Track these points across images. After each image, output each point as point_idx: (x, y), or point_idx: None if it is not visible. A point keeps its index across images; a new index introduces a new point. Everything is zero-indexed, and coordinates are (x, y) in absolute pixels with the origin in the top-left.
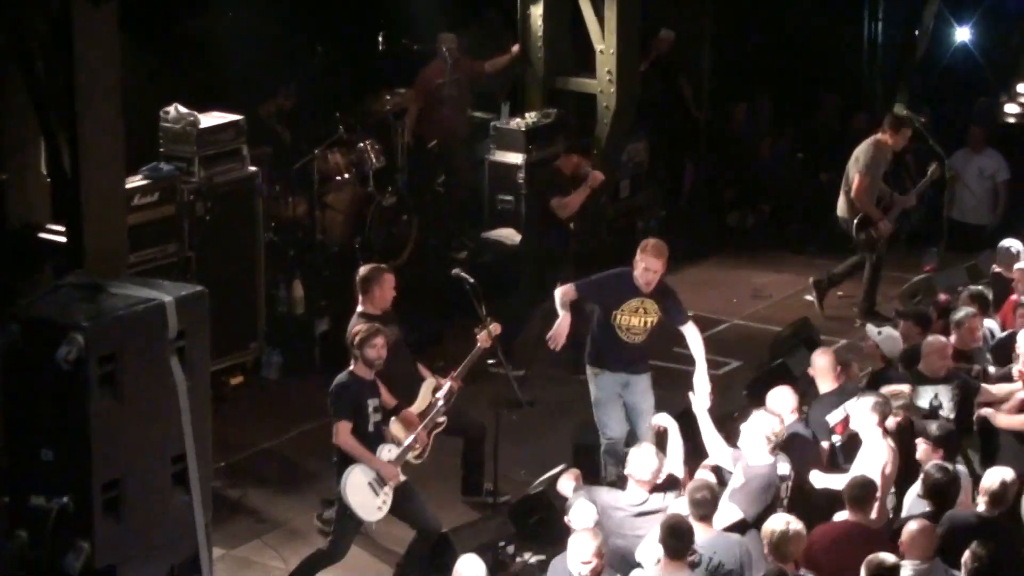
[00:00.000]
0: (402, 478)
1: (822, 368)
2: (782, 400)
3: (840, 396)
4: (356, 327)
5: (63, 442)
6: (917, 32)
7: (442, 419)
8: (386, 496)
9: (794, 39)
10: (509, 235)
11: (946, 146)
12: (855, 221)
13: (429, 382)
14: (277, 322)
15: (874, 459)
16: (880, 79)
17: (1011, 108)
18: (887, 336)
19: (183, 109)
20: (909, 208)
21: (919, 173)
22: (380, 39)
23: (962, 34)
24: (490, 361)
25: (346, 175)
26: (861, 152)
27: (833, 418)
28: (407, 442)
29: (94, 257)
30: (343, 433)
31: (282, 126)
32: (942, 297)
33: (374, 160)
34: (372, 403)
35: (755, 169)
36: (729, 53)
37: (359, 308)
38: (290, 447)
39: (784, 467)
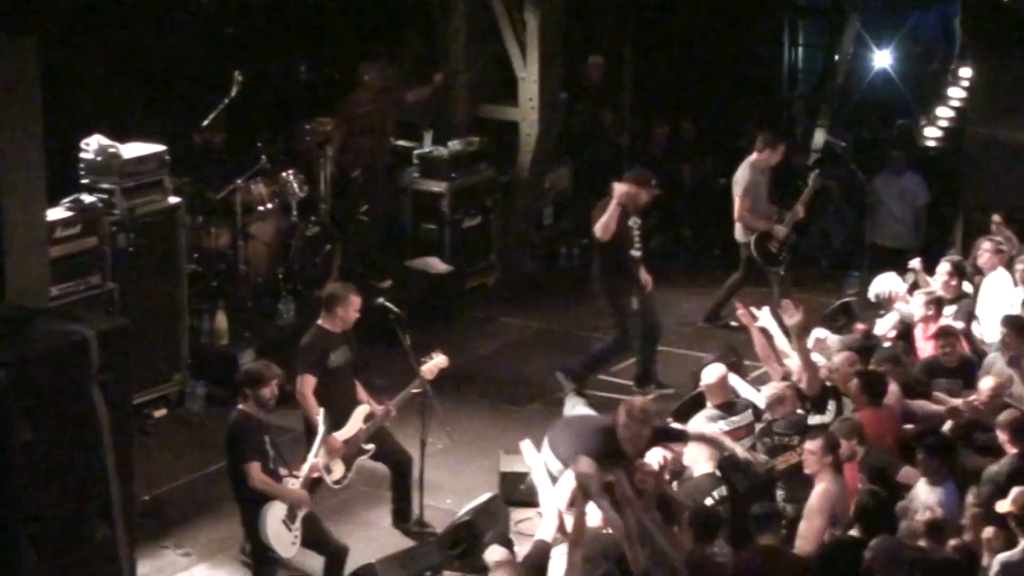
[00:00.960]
0: (308, 508)
1: (710, 384)
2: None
3: (727, 410)
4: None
5: None
6: (837, 57)
7: (368, 446)
8: (297, 531)
9: (714, 64)
10: (433, 264)
11: (867, 170)
12: (752, 241)
13: (362, 408)
14: (200, 353)
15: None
16: (801, 103)
17: (931, 132)
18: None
19: (104, 140)
20: (798, 220)
21: (842, 198)
22: (302, 69)
23: (882, 58)
24: (415, 390)
25: (269, 205)
26: (738, 175)
27: (719, 428)
28: (305, 468)
29: (16, 290)
30: (256, 474)
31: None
32: (858, 327)
33: (297, 190)
34: (267, 439)
35: (678, 194)
36: (649, 78)
37: (319, 322)
38: (214, 480)
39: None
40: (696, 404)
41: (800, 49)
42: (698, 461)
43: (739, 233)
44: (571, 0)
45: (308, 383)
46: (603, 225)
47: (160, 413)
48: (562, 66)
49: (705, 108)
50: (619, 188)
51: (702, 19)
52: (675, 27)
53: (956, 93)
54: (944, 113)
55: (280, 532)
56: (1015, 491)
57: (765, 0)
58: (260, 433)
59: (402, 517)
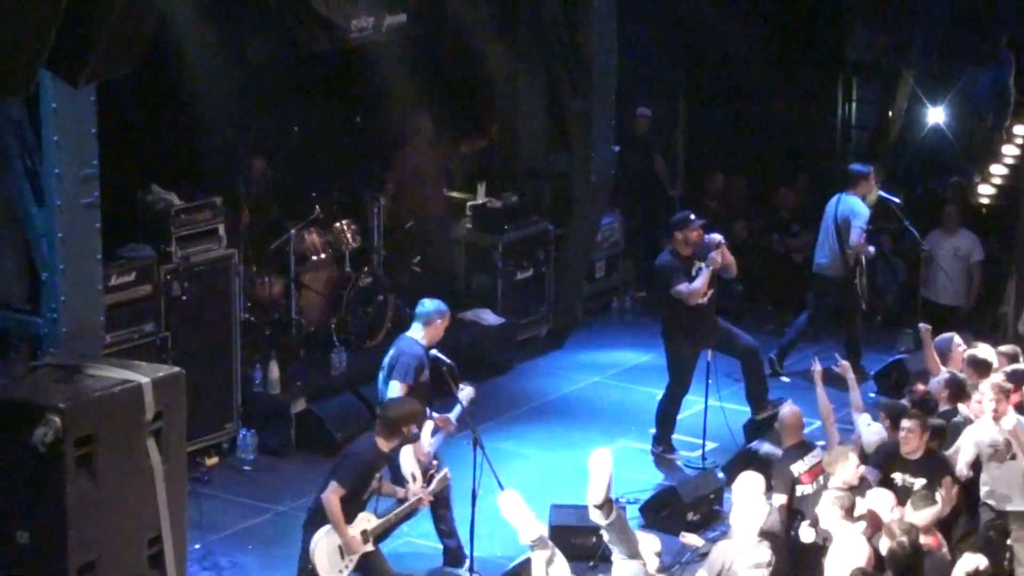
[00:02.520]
0: (368, 548)
1: (788, 424)
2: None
3: (804, 448)
4: (407, 405)
5: (39, 524)
6: (891, 113)
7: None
8: (350, 563)
9: (768, 119)
10: (486, 316)
11: (920, 226)
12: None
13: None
14: (253, 402)
15: (845, 554)
16: (854, 160)
17: (984, 189)
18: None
19: (160, 190)
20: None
21: (894, 253)
22: (357, 119)
23: (935, 115)
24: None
25: (322, 255)
26: (855, 207)
27: (797, 468)
28: (386, 515)
29: (71, 338)
30: (332, 496)
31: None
32: (919, 388)
33: (350, 240)
34: (379, 474)
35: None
36: (703, 133)
37: (412, 334)
38: (266, 528)
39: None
40: (748, 460)
41: (854, 105)
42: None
43: (833, 267)
44: (623, 52)
45: (335, 493)
46: (693, 292)
47: (212, 461)
48: (615, 118)
49: (758, 163)
50: (677, 239)
51: (756, 73)
52: (730, 81)
53: (1010, 151)
54: (998, 170)
55: (331, 555)
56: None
57: (819, 56)
58: (375, 470)
59: (454, 559)
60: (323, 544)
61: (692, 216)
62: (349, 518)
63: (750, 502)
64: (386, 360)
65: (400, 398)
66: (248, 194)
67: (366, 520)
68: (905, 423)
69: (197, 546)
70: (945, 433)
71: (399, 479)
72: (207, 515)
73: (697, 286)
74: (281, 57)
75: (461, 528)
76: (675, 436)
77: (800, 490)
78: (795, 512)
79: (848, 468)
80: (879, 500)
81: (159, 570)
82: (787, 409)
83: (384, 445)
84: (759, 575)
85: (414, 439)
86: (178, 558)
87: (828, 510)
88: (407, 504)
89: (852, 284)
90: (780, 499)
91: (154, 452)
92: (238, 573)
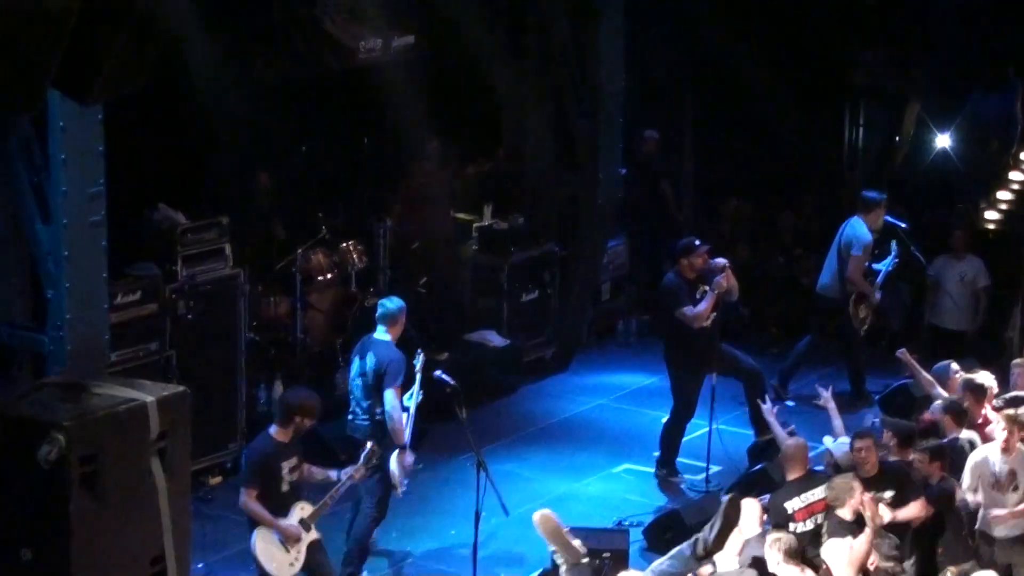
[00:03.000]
0: (314, 536)
1: (790, 455)
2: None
3: (807, 483)
4: (304, 397)
5: (42, 542)
6: (897, 138)
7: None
8: (298, 553)
9: (775, 143)
10: (491, 337)
11: (927, 251)
12: (852, 300)
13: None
14: (257, 422)
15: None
16: (861, 184)
17: (991, 215)
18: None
19: (167, 209)
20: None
21: (900, 278)
22: (364, 140)
23: (942, 140)
24: (472, 464)
25: (328, 275)
26: (856, 233)
27: (792, 505)
28: (321, 502)
29: (76, 356)
30: (246, 499)
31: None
32: (926, 417)
33: (357, 261)
34: (287, 464)
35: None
36: (710, 156)
37: (390, 339)
38: None
39: None
40: (755, 482)
41: (861, 130)
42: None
43: (833, 288)
44: (631, 73)
45: (248, 496)
46: (697, 315)
47: (216, 480)
48: (622, 141)
49: (765, 187)
50: (683, 264)
51: (764, 97)
52: (737, 105)
53: (1017, 176)
54: (1004, 196)
55: (272, 551)
56: None
57: (827, 81)
58: (279, 460)
59: None
60: (260, 544)
61: (697, 242)
62: (281, 511)
63: (739, 529)
64: (367, 368)
65: (298, 389)
66: (255, 214)
67: (301, 509)
68: (857, 442)
69: (200, 565)
70: (945, 454)
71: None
72: (210, 534)
73: (701, 309)
74: (289, 77)
75: (463, 549)
76: (679, 459)
77: (793, 527)
78: None
79: (855, 498)
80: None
81: None
82: (791, 441)
83: (281, 435)
84: None
85: (301, 434)
86: None
87: (768, 553)
88: (340, 484)
89: (846, 310)
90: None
91: (158, 471)
92: None
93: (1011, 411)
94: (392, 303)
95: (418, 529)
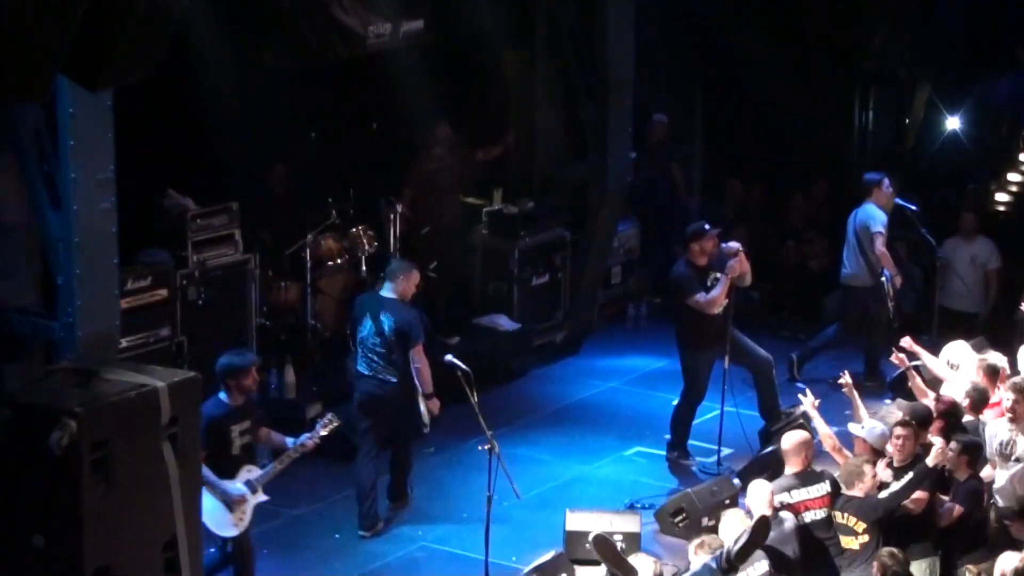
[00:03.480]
0: (261, 498)
1: (786, 449)
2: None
3: (805, 479)
4: (229, 362)
5: (54, 528)
6: (908, 121)
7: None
8: (243, 514)
9: (786, 128)
10: (502, 321)
11: (937, 234)
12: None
13: None
14: (268, 407)
15: None
16: (870, 167)
17: (1001, 196)
18: (871, 429)
19: (176, 194)
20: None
21: (910, 260)
22: (374, 125)
23: (952, 123)
24: (483, 447)
25: (339, 260)
26: (872, 214)
27: (781, 498)
28: (270, 466)
29: (86, 342)
30: None
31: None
32: (946, 397)
33: (367, 246)
34: (238, 427)
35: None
36: (720, 140)
37: (403, 301)
38: (280, 532)
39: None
40: (766, 465)
41: (871, 113)
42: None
43: (861, 277)
44: (640, 57)
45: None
46: (711, 301)
47: None
48: (632, 125)
49: (775, 171)
50: (693, 250)
51: (774, 81)
52: (747, 89)
53: None
54: (1015, 178)
55: (215, 511)
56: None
57: (837, 64)
58: (228, 424)
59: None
60: (205, 504)
61: (707, 226)
62: (229, 474)
63: (741, 511)
64: (385, 327)
65: (236, 352)
66: (266, 200)
67: (247, 471)
68: (898, 430)
69: (212, 550)
70: (979, 451)
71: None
72: None
73: (715, 295)
74: (298, 63)
75: (475, 532)
76: (691, 442)
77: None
78: None
79: (866, 482)
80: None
81: (174, 574)
82: (789, 435)
83: (229, 399)
84: None
85: (248, 392)
86: (193, 562)
87: (694, 557)
88: (292, 450)
89: (880, 292)
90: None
91: (169, 456)
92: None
93: (1018, 379)
94: (396, 260)
95: (430, 512)
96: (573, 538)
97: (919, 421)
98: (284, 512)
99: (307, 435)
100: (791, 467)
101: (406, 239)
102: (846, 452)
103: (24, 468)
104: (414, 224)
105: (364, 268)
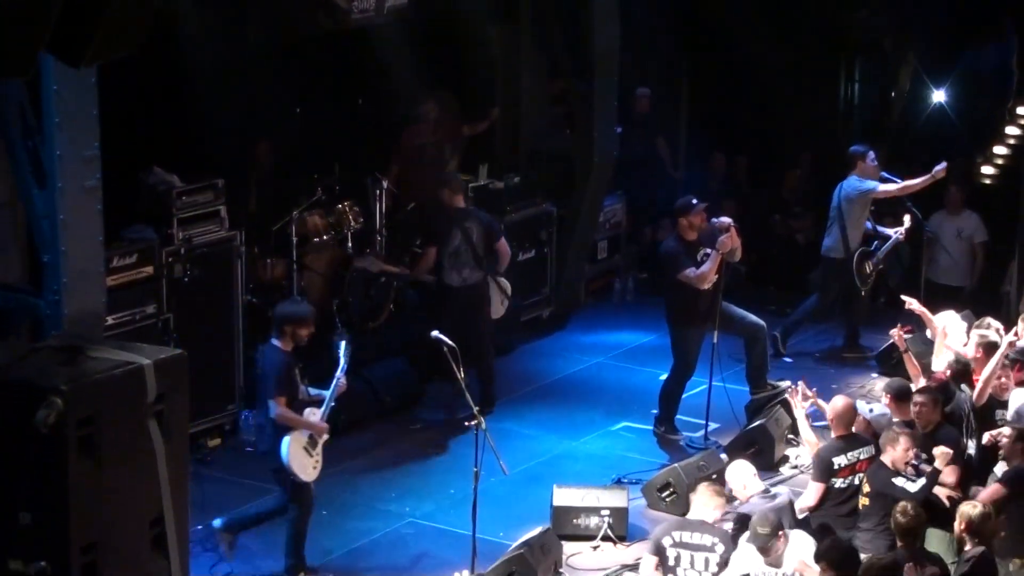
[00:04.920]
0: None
1: (840, 414)
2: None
3: (851, 442)
4: (292, 309)
5: (41, 506)
6: (893, 93)
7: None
8: (318, 456)
9: (771, 100)
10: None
11: (923, 207)
12: (856, 256)
13: None
14: (255, 383)
15: None
16: (856, 140)
17: (987, 170)
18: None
19: (161, 171)
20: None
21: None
22: (360, 101)
23: (938, 95)
24: (470, 422)
25: (325, 237)
26: (856, 185)
27: (839, 461)
28: (326, 403)
29: (72, 319)
30: (280, 409)
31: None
32: (937, 375)
33: (353, 222)
34: (298, 371)
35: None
36: (705, 113)
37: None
38: None
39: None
40: (753, 440)
41: (856, 85)
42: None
43: (836, 249)
44: (625, 31)
45: (281, 404)
46: (701, 276)
47: (215, 443)
48: (617, 99)
49: (760, 144)
50: (682, 225)
51: (759, 53)
52: (732, 61)
53: (1013, 131)
54: (1001, 151)
55: (300, 457)
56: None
57: (822, 36)
58: (291, 368)
59: None
60: (291, 450)
61: (695, 201)
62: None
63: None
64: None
65: (289, 301)
66: (252, 176)
67: (312, 413)
68: (917, 397)
69: (199, 527)
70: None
71: None
72: (209, 496)
73: (705, 270)
74: (283, 38)
75: (462, 508)
76: (678, 416)
77: (833, 481)
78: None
79: (898, 451)
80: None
81: (161, 552)
82: (840, 400)
83: (284, 345)
84: (700, 558)
85: (301, 343)
86: (180, 540)
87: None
88: (332, 390)
89: (851, 268)
90: (816, 487)
91: (156, 434)
92: (240, 554)
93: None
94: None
95: (416, 489)
96: (560, 513)
97: (896, 396)
98: (270, 489)
99: (338, 372)
100: (839, 430)
101: (392, 215)
102: None
103: (10, 446)
104: (400, 200)
105: (350, 244)
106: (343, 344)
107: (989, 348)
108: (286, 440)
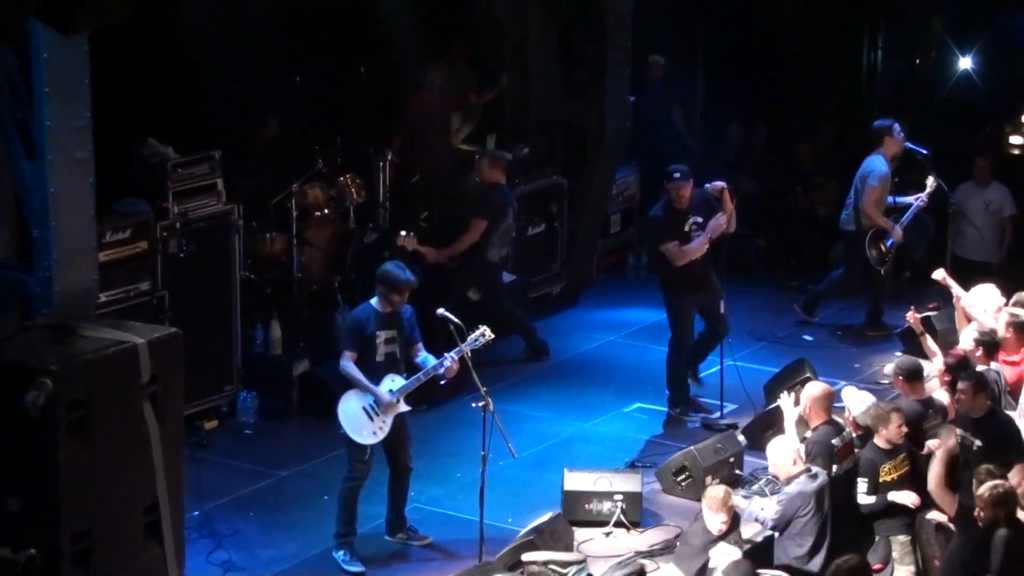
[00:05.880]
0: (404, 408)
1: (819, 398)
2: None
3: (837, 427)
4: (388, 272)
5: (31, 491)
6: (918, 60)
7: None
8: (383, 423)
9: (791, 67)
10: None
11: (949, 179)
12: (869, 236)
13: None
14: (254, 364)
15: None
16: (879, 109)
17: (1016, 139)
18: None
19: (156, 143)
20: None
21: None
22: (362, 69)
23: (965, 62)
24: (477, 404)
25: (326, 211)
26: (873, 164)
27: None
28: (418, 375)
29: (64, 297)
30: (344, 361)
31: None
32: (955, 351)
33: (355, 195)
34: (384, 334)
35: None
36: (722, 82)
37: None
38: (267, 494)
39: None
40: (771, 421)
41: (880, 52)
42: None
43: (853, 223)
44: None
45: (347, 358)
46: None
47: (211, 425)
48: (631, 67)
49: (779, 113)
50: (671, 193)
51: (779, 19)
52: (751, 27)
53: None
54: None
55: (357, 416)
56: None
57: (845, 1)
58: (374, 327)
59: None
60: (346, 407)
61: (677, 174)
62: (373, 381)
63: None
64: None
65: (400, 265)
66: (250, 148)
67: (391, 380)
68: (961, 384)
69: (196, 513)
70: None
71: None
72: (206, 481)
73: (690, 248)
74: (282, 3)
75: (469, 493)
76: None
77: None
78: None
79: (891, 429)
80: None
81: (156, 538)
82: (817, 385)
83: (379, 304)
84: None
85: (394, 307)
86: (176, 526)
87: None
88: (432, 366)
89: (864, 244)
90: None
91: (150, 416)
92: (238, 541)
93: None
94: None
95: (422, 473)
96: (571, 498)
97: (908, 376)
98: (269, 473)
99: (456, 351)
100: (819, 418)
101: (396, 188)
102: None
103: None
104: (405, 172)
105: (352, 218)
106: (478, 332)
107: (1021, 329)
108: (346, 395)
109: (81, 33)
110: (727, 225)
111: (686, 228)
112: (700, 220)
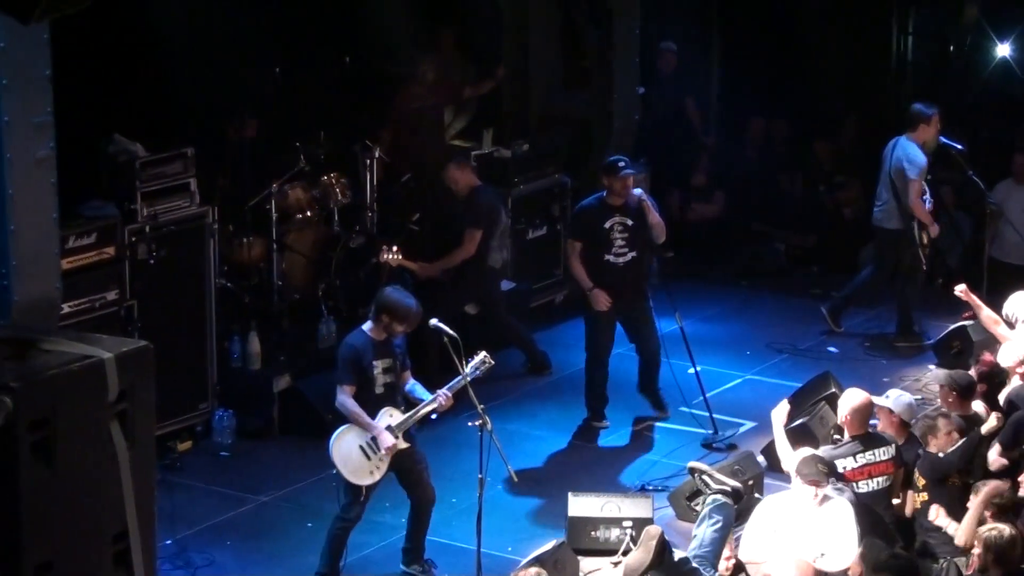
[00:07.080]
0: (402, 444)
1: (857, 409)
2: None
3: (867, 442)
4: (391, 298)
5: None
6: (952, 47)
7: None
8: (380, 462)
9: (813, 55)
10: None
11: (987, 177)
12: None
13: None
14: (230, 379)
15: None
16: (910, 99)
17: None
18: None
19: (124, 139)
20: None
21: (957, 206)
22: (346, 60)
23: (1003, 50)
24: (474, 423)
25: (308, 213)
26: (911, 155)
27: (845, 464)
28: (415, 410)
29: (23, 307)
30: (341, 396)
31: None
32: (986, 358)
33: (340, 196)
34: (381, 364)
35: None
36: (739, 71)
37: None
38: (245, 521)
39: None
40: (794, 440)
41: (911, 39)
42: None
43: (893, 220)
44: None
45: (344, 393)
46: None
47: (185, 446)
48: (640, 55)
49: (801, 105)
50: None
51: (799, 2)
52: (770, 11)
53: None
54: None
55: (353, 455)
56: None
57: None
58: (370, 357)
59: (412, 557)
60: (340, 445)
61: (621, 163)
62: (370, 415)
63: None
64: None
65: (395, 288)
66: (225, 145)
67: (388, 415)
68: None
69: (168, 542)
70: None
71: None
72: (180, 507)
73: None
74: None
75: (466, 519)
76: (716, 415)
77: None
78: None
79: (940, 437)
80: None
81: (125, 569)
82: (849, 393)
83: (374, 332)
84: None
85: (394, 337)
86: (146, 556)
87: None
88: (431, 399)
89: (911, 239)
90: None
91: (119, 437)
92: (214, 572)
93: None
94: None
95: None
96: (577, 525)
97: (960, 391)
98: (249, 499)
99: (448, 387)
100: (854, 430)
101: (384, 188)
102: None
103: None
104: (394, 171)
105: (337, 221)
106: (478, 359)
107: None
108: (341, 432)
109: (41, 20)
110: (657, 236)
111: (607, 225)
112: (629, 223)
